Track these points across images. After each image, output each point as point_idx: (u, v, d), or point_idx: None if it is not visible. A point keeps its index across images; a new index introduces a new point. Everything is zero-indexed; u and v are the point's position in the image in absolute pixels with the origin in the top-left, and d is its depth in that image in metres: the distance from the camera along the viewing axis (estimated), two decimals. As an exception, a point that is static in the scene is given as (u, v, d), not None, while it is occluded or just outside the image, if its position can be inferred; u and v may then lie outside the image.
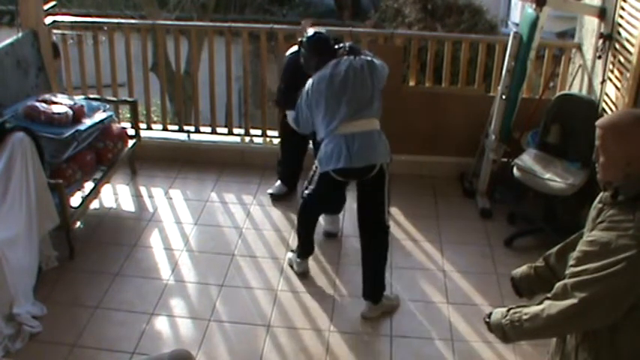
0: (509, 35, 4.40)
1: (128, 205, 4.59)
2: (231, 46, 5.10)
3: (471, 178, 4.84)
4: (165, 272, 3.85)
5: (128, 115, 5.80)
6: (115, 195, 4.67)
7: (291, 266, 3.89)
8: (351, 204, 4.53)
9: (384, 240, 3.55)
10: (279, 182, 4.68)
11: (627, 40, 3.83)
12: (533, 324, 1.94)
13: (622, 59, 3.88)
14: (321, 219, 4.10)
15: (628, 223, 1.80)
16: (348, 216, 4.44)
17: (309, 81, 3.45)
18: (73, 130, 4.01)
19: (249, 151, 5.17)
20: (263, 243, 4.15)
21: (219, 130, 5.30)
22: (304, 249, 3.84)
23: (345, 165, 3.31)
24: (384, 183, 3.41)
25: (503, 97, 4.37)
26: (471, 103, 4.88)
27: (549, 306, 1.91)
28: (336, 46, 3.54)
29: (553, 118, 4.29)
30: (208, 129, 5.31)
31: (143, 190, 4.77)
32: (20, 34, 4.32)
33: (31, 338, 3.26)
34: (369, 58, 3.44)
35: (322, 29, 3.67)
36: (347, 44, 3.56)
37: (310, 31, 3.63)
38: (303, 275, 3.84)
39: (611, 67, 4.07)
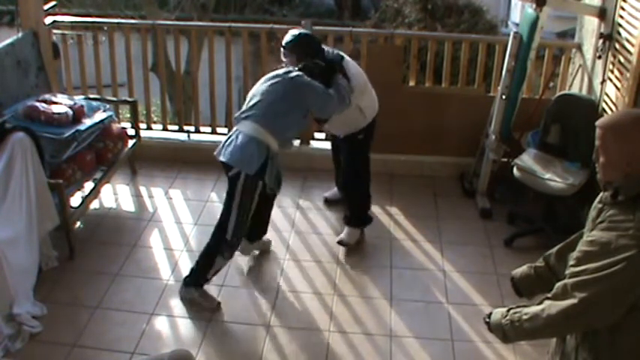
0: (509, 35, 4.40)
1: (128, 205, 4.59)
2: (231, 46, 5.10)
3: (471, 178, 4.83)
4: (165, 272, 3.85)
5: (128, 115, 5.80)
6: (115, 195, 4.67)
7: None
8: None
9: (216, 242, 3.50)
10: (335, 188, 4.60)
11: (627, 40, 3.83)
12: (533, 324, 1.94)
13: (622, 59, 3.88)
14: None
15: (628, 223, 1.81)
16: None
17: None
18: (73, 130, 4.01)
19: (249, 151, 5.15)
20: (263, 243, 4.15)
21: (219, 130, 5.29)
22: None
23: (216, 153, 3.47)
24: (234, 191, 3.39)
25: (503, 97, 4.37)
26: (471, 103, 4.88)
27: (549, 306, 1.91)
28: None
29: (553, 118, 4.29)
30: (208, 129, 5.30)
31: (143, 190, 4.77)
32: (20, 34, 4.32)
33: (31, 338, 3.26)
34: (306, 79, 3.45)
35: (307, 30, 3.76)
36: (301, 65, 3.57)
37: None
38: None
39: (611, 67, 4.07)
